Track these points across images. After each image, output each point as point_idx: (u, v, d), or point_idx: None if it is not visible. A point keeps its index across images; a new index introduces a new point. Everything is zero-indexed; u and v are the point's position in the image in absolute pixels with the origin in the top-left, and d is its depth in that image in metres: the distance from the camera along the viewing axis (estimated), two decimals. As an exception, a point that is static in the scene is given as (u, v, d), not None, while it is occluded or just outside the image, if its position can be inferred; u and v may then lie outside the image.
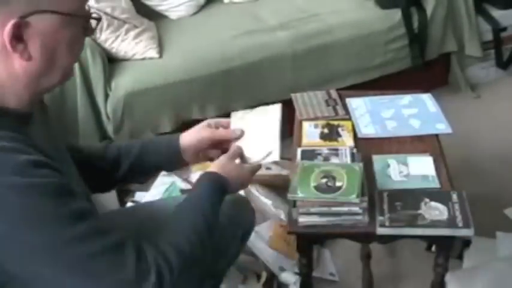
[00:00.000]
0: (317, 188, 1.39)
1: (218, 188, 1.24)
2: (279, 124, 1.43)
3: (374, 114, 1.79)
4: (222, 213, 1.42)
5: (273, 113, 1.46)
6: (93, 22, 1.06)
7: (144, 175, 1.52)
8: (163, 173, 2.29)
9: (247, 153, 1.40)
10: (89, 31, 1.06)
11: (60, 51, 1.00)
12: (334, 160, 1.56)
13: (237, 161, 1.36)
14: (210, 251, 1.17)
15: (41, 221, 0.92)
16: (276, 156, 1.38)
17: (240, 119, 1.48)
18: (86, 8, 1.04)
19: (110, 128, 2.34)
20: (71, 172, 1.15)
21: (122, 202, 2.30)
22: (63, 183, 0.97)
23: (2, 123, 0.96)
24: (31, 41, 0.95)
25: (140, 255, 0.99)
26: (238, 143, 1.41)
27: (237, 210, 1.46)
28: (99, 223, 0.99)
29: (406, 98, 1.85)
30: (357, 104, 1.84)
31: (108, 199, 2.26)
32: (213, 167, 1.29)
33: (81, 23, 1.02)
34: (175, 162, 1.42)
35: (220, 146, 1.43)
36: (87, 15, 1.04)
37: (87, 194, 1.20)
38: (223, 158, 1.33)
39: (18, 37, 0.94)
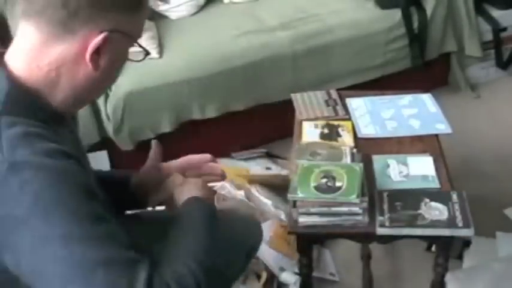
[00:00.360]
0: (317, 188, 1.39)
1: (209, 213, 1.18)
2: None
3: (374, 114, 1.79)
4: (228, 228, 1.42)
5: None
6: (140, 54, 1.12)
7: None
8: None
9: None
10: (133, 56, 1.12)
11: (118, 69, 1.08)
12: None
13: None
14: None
15: (62, 210, 0.90)
16: None
17: None
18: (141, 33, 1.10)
19: (109, 128, 2.34)
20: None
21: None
22: (90, 182, 0.98)
23: (40, 115, 0.98)
24: (105, 55, 1.01)
25: (152, 280, 0.94)
26: None
27: (244, 226, 1.45)
28: (119, 232, 0.96)
29: (406, 98, 1.85)
30: (357, 104, 1.84)
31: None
32: (186, 194, 1.21)
33: (130, 46, 1.09)
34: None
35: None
36: (138, 42, 1.10)
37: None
38: (188, 184, 1.26)
39: (98, 49, 0.99)
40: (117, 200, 1.26)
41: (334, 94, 1.90)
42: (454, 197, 1.43)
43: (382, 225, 1.37)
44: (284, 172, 2.35)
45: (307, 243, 1.50)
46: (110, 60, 1.03)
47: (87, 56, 0.99)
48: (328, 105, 1.84)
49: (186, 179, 1.27)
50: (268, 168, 2.52)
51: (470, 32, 2.89)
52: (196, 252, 1.06)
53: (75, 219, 0.91)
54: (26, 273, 0.94)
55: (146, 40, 2.44)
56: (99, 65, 1.01)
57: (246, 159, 2.57)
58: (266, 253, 2.01)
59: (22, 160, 0.91)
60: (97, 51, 1.00)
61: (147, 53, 1.12)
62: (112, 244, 0.93)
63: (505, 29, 2.98)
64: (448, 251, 1.49)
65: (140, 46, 1.09)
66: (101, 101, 2.31)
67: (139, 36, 1.08)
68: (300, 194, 1.39)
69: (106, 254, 0.92)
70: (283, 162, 2.52)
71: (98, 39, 0.98)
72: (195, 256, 1.05)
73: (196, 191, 1.21)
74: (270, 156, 2.61)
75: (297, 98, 1.88)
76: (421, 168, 1.56)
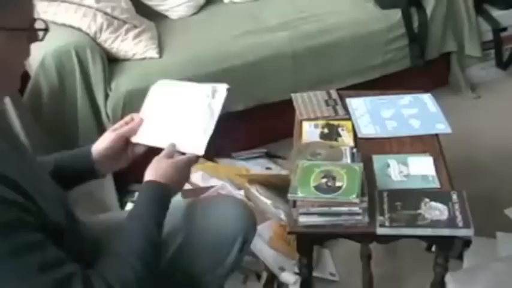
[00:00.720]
0: (317, 188, 1.39)
1: (158, 200, 1.24)
2: (218, 112, 1.34)
3: (374, 114, 1.79)
4: (221, 220, 1.42)
5: (216, 95, 1.38)
6: (40, 24, 1.08)
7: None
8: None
9: (170, 138, 1.33)
10: (34, 39, 1.08)
11: (10, 63, 1.03)
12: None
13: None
14: (157, 268, 1.18)
15: None
16: (200, 151, 1.31)
17: (165, 92, 1.41)
18: (32, 18, 1.06)
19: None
20: (37, 179, 1.13)
21: (122, 202, 2.30)
22: (9, 216, 0.96)
23: None
24: None
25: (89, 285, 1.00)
26: (157, 121, 1.37)
27: (235, 219, 1.45)
28: (46, 255, 0.99)
29: (406, 98, 1.85)
30: (357, 104, 1.84)
31: (108, 199, 2.26)
32: (148, 174, 1.27)
33: (26, 34, 1.05)
34: (89, 175, 1.40)
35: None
36: (33, 27, 1.05)
37: (61, 199, 1.20)
38: (156, 161, 1.29)
39: None
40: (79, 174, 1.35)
41: (334, 94, 1.90)
42: (454, 197, 1.43)
43: (382, 225, 1.37)
44: (284, 172, 2.35)
45: (307, 243, 1.50)
46: None
47: None
48: (328, 105, 1.84)
49: (162, 156, 1.30)
50: (268, 168, 2.52)
51: (470, 32, 2.89)
52: (137, 247, 1.13)
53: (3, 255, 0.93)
54: None
55: (146, 40, 2.44)
56: None
57: (246, 159, 2.57)
58: (266, 253, 2.01)
59: None
60: None
61: (45, 30, 1.08)
62: (40, 271, 0.96)
63: (505, 29, 2.98)
64: (448, 251, 1.48)
65: (31, 29, 1.05)
66: (101, 101, 2.31)
67: (21, 20, 1.03)
68: (300, 194, 1.39)
69: (34, 284, 0.95)
70: (283, 162, 2.52)
71: None
72: (136, 252, 1.12)
73: (158, 173, 1.25)
74: (270, 156, 2.61)
75: (297, 98, 1.88)
76: (421, 168, 1.56)
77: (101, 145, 1.38)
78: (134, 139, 1.38)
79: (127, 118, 1.44)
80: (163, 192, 1.25)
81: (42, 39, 1.09)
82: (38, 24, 1.08)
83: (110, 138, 1.38)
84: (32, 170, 1.14)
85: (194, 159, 1.34)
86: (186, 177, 1.34)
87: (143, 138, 1.38)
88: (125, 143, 1.39)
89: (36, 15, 1.08)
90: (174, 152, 1.33)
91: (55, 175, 1.29)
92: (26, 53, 1.08)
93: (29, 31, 1.05)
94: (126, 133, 1.40)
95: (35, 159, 1.22)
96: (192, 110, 1.36)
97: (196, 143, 1.32)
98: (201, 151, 1.31)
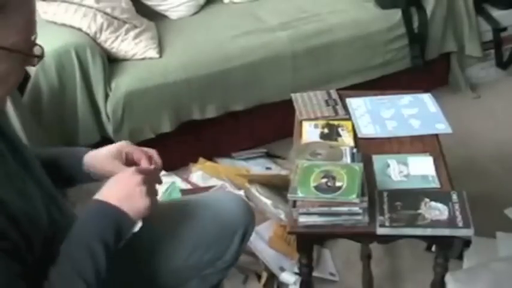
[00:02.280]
0: (317, 188, 1.39)
1: (109, 226, 1.11)
2: None
3: (374, 114, 1.79)
4: (219, 214, 1.43)
5: None
6: (37, 51, 1.04)
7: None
8: (163, 172, 2.29)
9: None
10: (29, 63, 1.04)
11: (5, 78, 0.99)
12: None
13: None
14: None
15: None
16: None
17: None
18: (31, 41, 1.02)
19: (109, 128, 2.34)
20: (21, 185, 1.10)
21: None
22: None
23: None
24: None
25: None
26: None
27: (235, 211, 1.45)
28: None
29: (406, 98, 1.85)
30: (357, 104, 1.84)
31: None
32: (99, 194, 1.14)
33: (20, 56, 1.01)
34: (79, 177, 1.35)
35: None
36: (26, 52, 1.01)
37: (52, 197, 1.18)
38: (108, 183, 1.17)
39: None
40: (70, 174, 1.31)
41: (334, 94, 1.90)
42: (454, 197, 1.43)
43: (382, 225, 1.37)
44: (284, 172, 2.35)
45: (307, 243, 1.50)
46: None
47: None
48: (328, 105, 1.84)
49: (126, 171, 1.19)
50: (268, 168, 2.52)
51: (470, 32, 2.89)
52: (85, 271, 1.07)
53: None
54: None
55: (146, 40, 2.44)
56: None
57: (246, 159, 2.57)
58: (266, 253, 2.01)
59: None
60: None
61: (39, 56, 1.05)
62: None
63: (505, 29, 2.98)
64: (448, 251, 1.48)
65: (19, 52, 1.00)
66: (101, 101, 2.31)
67: (15, 40, 0.99)
68: (300, 194, 1.39)
69: None
70: (283, 162, 2.52)
71: None
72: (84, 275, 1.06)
73: (117, 189, 1.14)
74: (270, 156, 2.61)
75: (297, 98, 1.88)
76: (421, 168, 1.56)
77: (100, 166, 1.31)
78: None
79: (138, 153, 1.33)
80: (116, 220, 1.12)
81: (37, 62, 1.06)
82: (36, 50, 1.04)
83: (109, 167, 1.29)
84: (24, 171, 1.13)
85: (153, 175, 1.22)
86: (139, 198, 1.14)
87: None
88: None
89: (34, 38, 1.04)
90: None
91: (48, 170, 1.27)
92: (16, 76, 1.04)
93: (21, 53, 1.01)
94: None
95: (32, 160, 1.21)
96: None
97: None
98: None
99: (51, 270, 1.07)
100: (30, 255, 1.06)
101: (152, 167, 1.29)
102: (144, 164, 1.29)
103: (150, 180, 1.17)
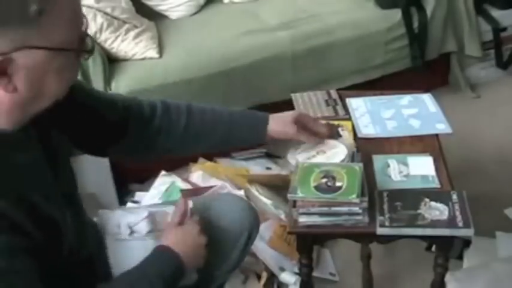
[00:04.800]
0: (317, 188, 1.39)
1: (171, 273, 1.21)
2: None
3: (374, 114, 1.79)
4: (224, 217, 1.43)
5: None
6: (88, 44, 1.04)
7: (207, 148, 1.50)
8: (163, 172, 2.29)
9: None
10: (83, 56, 1.04)
11: (48, 81, 0.98)
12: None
13: (194, 219, 1.34)
14: None
15: None
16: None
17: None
18: (82, 33, 1.02)
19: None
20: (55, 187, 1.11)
21: (122, 202, 2.30)
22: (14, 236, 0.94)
23: None
24: (16, 75, 0.93)
25: None
26: None
27: (240, 214, 1.46)
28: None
29: (406, 98, 1.85)
30: (357, 104, 1.84)
31: (108, 199, 2.26)
32: (165, 240, 1.26)
33: (73, 52, 1.00)
34: (257, 143, 1.49)
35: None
36: (78, 47, 1.01)
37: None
38: (169, 229, 1.29)
39: (1, 71, 0.92)
40: None
41: (334, 94, 1.90)
42: (454, 197, 1.43)
43: (382, 225, 1.37)
44: (284, 172, 2.35)
45: (307, 243, 1.50)
46: (28, 78, 0.94)
47: None
48: (328, 105, 1.84)
49: (182, 223, 1.31)
50: (268, 168, 2.52)
51: (470, 32, 2.89)
52: None
53: None
54: None
55: (146, 40, 2.44)
56: (15, 86, 0.94)
57: (246, 159, 2.57)
58: (266, 253, 2.01)
59: None
60: (3, 74, 0.92)
61: (89, 52, 1.05)
62: None
63: (505, 29, 2.98)
64: (448, 251, 1.48)
65: (72, 50, 1.00)
66: (101, 101, 2.31)
67: (67, 39, 0.98)
68: (300, 194, 1.39)
69: None
70: (283, 162, 2.52)
71: None
72: None
73: (183, 239, 1.26)
74: (270, 156, 2.61)
75: (297, 98, 1.88)
76: (421, 168, 1.56)
77: (281, 129, 1.46)
78: None
79: (312, 123, 1.53)
80: (176, 267, 1.23)
81: (90, 53, 1.06)
82: (88, 42, 1.05)
83: (291, 131, 1.46)
84: (55, 177, 1.12)
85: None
86: (198, 245, 1.31)
87: None
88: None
89: (85, 29, 1.04)
90: (186, 212, 1.33)
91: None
92: (72, 72, 1.04)
93: (73, 51, 1.00)
94: (303, 140, 1.50)
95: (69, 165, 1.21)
96: None
97: None
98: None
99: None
100: (55, 263, 1.06)
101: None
102: None
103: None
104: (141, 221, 1.29)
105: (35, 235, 0.99)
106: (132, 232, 1.30)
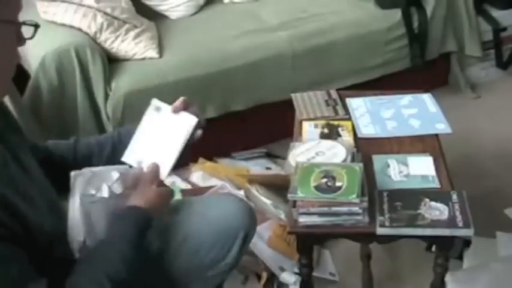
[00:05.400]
0: (317, 188, 1.39)
1: (140, 225, 1.21)
2: (184, 140, 1.36)
3: (374, 114, 1.79)
4: (220, 216, 1.43)
5: (186, 123, 1.39)
6: (28, 30, 1.04)
7: None
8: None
9: (145, 156, 1.35)
10: (21, 40, 1.04)
11: (6, 54, 0.99)
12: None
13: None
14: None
15: None
16: (163, 174, 1.32)
17: (154, 116, 1.43)
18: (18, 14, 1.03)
19: (109, 128, 2.34)
20: (28, 181, 1.13)
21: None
22: None
23: None
24: None
25: None
26: (145, 140, 1.38)
27: (236, 213, 1.45)
28: (9, 271, 0.97)
29: (406, 98, 1.85)
30: (357, 104, 1.84)
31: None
32: (134, 199, 1.25)
33: (14, 31, 1.01)
34: None
35: None
36: (21, 22, 1.02)
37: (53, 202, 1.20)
38: (143, 187, 1.29)
39: None
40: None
41: (334, 94, 1.90)
42: (454, 197, 1.43)
43: (382, 225, 1.37)
44: (284, 172, 2.35)
45: (307, 243, 1.50)
46: None
47: None
48: (328, 105, 1.84)
49: (140, 185, 1.28)
50: (268, 168, 2.52)
51: (470, 32, 2.89)
52: (110, 270, 1.11)
53: None
54: None
55: (146, 40, 2.44)
56: None
57: (246, 159, 2.57)
58: (266, 253, 2.01)
59: None
60: None
61: (36, 26, 1.05)
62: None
63: (505, 29, 2.98)
64: (448, 251, 1.48)
65: (22, 23, 1.02)
66: (101, 101, 2.31)
67: (13, 16, 1.00)
68: (300, 194, 1.39)
69: None
70: (283, 162, 2.52)
71: None
72: (108, 274, 1.09)
73: (144, 199, 1.24)
74: (270, 156, 2.61)
75: (297, 98, 1.88)
76: (421, 168, 1.56)
77: None
78: (123, 158, 1.38)
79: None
80: (143, 219, 1.23)
81: (32, 37, 1.06)
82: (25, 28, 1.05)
83: None
84: (27, 177, 1.14)
85: (169, 192, 1.35)
86: (164, 207, 1.33)
87: (129, 158, 1.38)
88: None
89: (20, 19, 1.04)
90: (157, 175, 1.32)
91: (107, 163, 1.34)
92: (13, 57, 1.04)
93: (18, 25, 1.01)
94: None
95: (31, 158, 1.22)
96: (170, 138, 1.38)
97: (162, 169, 1.34)
98: (163, 176, 1.33)
99: (77, 269, 1.10)
100: (35, 258, 1.07)
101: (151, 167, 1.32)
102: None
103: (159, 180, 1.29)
104: (115, 182, 1.28)
105: (12, 227, 1.01)
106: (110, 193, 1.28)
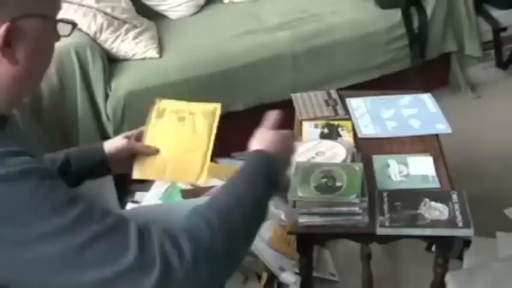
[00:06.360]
0: (317, 188, 1.39)
1: (266, 171, 1.11)
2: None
3: (374, 114, 1.79)
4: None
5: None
6: (67, 27, 1.05)
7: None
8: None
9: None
10: (58, 36, 1.05)
11: (43, 56, 1.00)
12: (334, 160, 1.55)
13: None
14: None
15: (31, 211, 0.85)
16: (201, 181, 1.30)
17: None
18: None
19: (109, 128, 2.34)
20: None
21: (122, 202, 2.30)
22: (47, 168, 0.93)
23: None
24: (18, 46, 0.93)
25: (143, 240, 0.88)
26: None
27: None
28: (94, 206, 0.91)
29: (406, 98, 1.86)
30: (357, 104, 1.84)
31: (108, 199, 2.26)
32: (255, 144, 1.20)
33: (55, 28, 1.02)
34: (101, 169, 1.40)
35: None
36: (62, 20, 1.04)
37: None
38: (261, 133, 1.23)
39: (7, 42, 0.91)
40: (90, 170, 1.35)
41: (334, 94, 1.90)
42: (454, 197, 1.43)
43: (382, 225, 1.37)
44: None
45: (307, 243, 1.50)
46: (29, 49, 0.94)
47: None
48: (328, 105, 1.84)
49: (264, 132, 1.24)
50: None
51: (470, 32, 2.89)
52: (225, 209, 1.00)
53: (47, 215, 0.86)
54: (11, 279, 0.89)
55: (146, 40, 2.44)
56: (16, 58, 0.93)
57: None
58: (266, 253, 2.01)
59: None
60: (7, 44, 0.91)
61: (74, 25, 1.06)
62: (90, 221, 0.88)
63: (505, 29, 2.98)
64: (448, 251, 1.49)
65: (63, 21, 1.03)
66: (101, 101, 2.31)
67: (56, 11, 1.02)
68: (300, 194, 1.39)
69: (87, 234, 0.86)
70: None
71: (0, 32, 0.90)
72: (218, 213, 0.98)
73: (268, 143, 1.18)
74: (270, 156, 2.60)
75: (297, 98, 1.88)
76: (421, 168, 1.56)
77: (111, 145, 1.39)
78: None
79: (138, 130, 1.44)
80: (270, 163, 1.14)
81: (69, 35, 1.06)
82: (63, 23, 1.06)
83: (120, 143, 1.39)
84: None
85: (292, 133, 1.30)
86: (291, 150, 1.25)
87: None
88: (132, 156, 1.39)
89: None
90: (277, 121, 1.28)
91: (65, 170, 1.31)
92: (53, 51, 1.04)
93: (60, 23, 1.03)
94: (137, 150, 1.40)
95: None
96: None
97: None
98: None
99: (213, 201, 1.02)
100: None
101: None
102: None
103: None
104: None
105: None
106: None
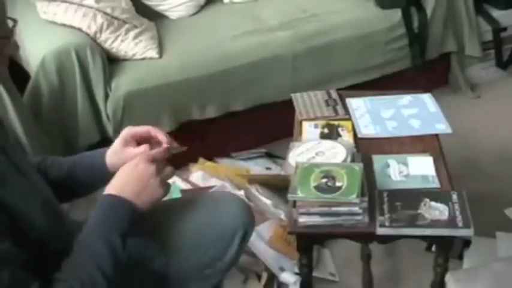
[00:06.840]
0: (317, 188, 1.39)
1: (115, 220, 1.15)
2: None
3: (374, 114, 1.79)
4: (218, 214, 1.43)
5: None
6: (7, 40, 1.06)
7: (73, 195, 1.43)
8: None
9: None
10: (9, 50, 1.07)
11: None
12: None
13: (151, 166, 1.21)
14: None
15: None
16: None
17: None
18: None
19: (109, 128, 2.34)
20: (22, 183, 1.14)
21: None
22: None
23: None
24: None
25: None
26: None
27: (234, 212, 1.45)
28: (9, 255, 0.98)
29: (406, 98, 1.86)
30: (357, 104, 1.84)
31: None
32: (111, 186, 1.18)
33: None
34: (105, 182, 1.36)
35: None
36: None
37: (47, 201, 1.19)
38: (121, 170, 1.20)
39: None
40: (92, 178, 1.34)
41: (334, 94, 1.90)
42: (454, 197, 1.43)
43: (382, 225, 1.37)
44: (284, 172, 2.35)
45: (307, 243, 1.50)
46: None
47: None
48: (328, 105, 1.84)
49: (137, 160, 1.21)
50: (268, 168, 2.52)
51: (470, 32, 2.89)
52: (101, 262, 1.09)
53: None
54: None
55: (146, 40, 2.44)
56: None
57: (245, 159, 2.57)
58: (266, 253, 2.01)
59: None
60: None
61: (14, 20, 1.07)
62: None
63: (505, 29, 2.98)
64: (448, 251, 1.49)
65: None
66: (101, 101, 2.31)
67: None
68: (300, 194, 1.39)
69: None
70: (283, 162, 2.52)
71: None
72: (99, 266, 1.08)
73: (124, 183, 1.18)
74: (270, 156, 2.61)
75: (297, 98, 1.89)
76: (421, 168, 1.56)
77: (119, 159, 1.33)
78: None
79: (143, 129, 1.36)
80: (122, 210, 1.16)
81: (16, 49, 1.08)
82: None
83: (124, 155, 1.33)
84: (16, 171, 1.15)
85: (168, 175, 1.25)
86: (154, 197, 1.21)
87: None
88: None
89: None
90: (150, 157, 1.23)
91: (71, 176, 1.32)
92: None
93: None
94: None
95: (25, 159, 1.23)
96: None
97: None
98: None
99: (66, 262, 1.09)
100: (27, 255, 1.07)
101: (161, 148, 1.29)
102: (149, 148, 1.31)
103: (161, 167, 1.22)
104: None
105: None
106: None
